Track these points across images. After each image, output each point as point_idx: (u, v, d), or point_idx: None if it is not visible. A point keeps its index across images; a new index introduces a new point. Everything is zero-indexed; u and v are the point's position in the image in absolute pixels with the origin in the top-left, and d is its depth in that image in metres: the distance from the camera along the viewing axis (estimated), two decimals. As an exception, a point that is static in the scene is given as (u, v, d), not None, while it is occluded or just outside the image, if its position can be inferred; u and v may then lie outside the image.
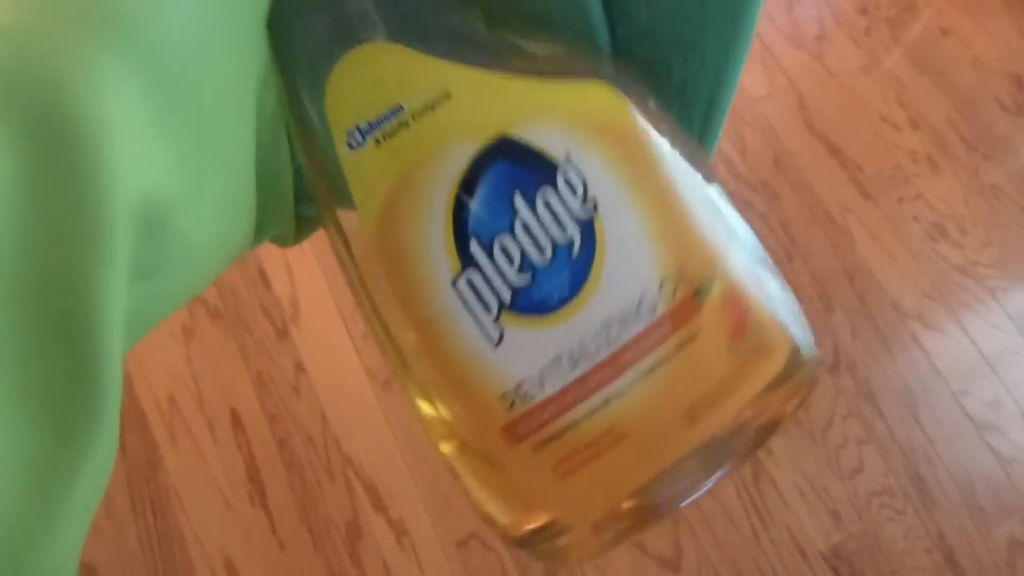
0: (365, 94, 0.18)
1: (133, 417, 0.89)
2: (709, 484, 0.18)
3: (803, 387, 0.19)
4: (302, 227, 0.22)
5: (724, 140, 1.05)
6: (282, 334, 0.93)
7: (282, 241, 0.22)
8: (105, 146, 0.13)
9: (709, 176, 0.19)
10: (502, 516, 0.19)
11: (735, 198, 0.85)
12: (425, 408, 0.19)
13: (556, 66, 0.18)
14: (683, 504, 0.18)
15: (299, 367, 0.91)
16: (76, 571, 0.14)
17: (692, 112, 0.20)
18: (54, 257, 0.12)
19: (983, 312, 0.97)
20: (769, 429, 0.18)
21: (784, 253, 0.98)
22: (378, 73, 0.18)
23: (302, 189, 0.20)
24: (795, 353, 0.18)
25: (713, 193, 0.19)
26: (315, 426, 0.90)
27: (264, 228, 0.20)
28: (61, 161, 0.12)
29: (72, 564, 0.14)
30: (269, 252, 0.96)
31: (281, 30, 0.18)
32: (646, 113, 0.19)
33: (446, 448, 0.19)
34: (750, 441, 0.18)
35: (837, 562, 0.86)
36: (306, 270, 0.96)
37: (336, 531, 0.86)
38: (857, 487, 0.89)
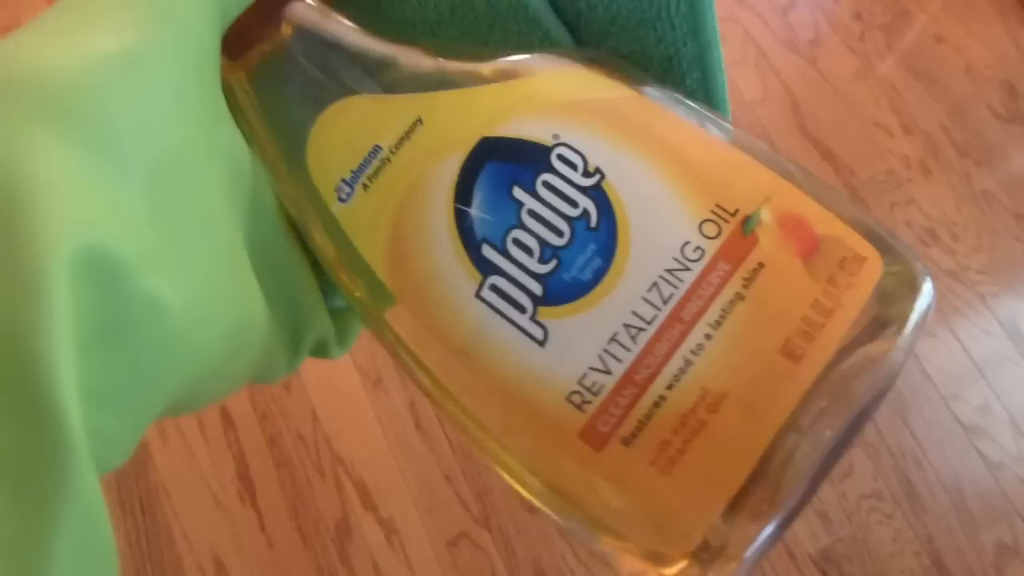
0: (342, 148, 0.17)
1: (123, 413, 0.88)
2: (850, 434, 0.15)
3: (913, 284, 0.16)
4: (346, 326, 0.22)
5: (718, 143, 1.05)
6: (274, 332, 0.93)
7: (325, 349, 0.22)
8: (40, 196, 0.13)
9: (718, 117, 0.18)
10: (642, 555, 0.16)
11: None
12: (492, 447, 0.17)
13: (524, 69, 0.18)
14: (817, 477, 0.15)
15: (290, 365, 0.91)
16: None
17: (688, 81, 0.19)
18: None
19: (974, 317, 0.98)
20: (890, 350, 0.15)
21: (777, 256, 0.99)
22: (348, 126, 0.17)
23: (326, 283, 0.20)
24: (886, 248, 0.16)
25: (725, 128, 0.18)
26: (305, 424, 0.89)
27: (300, 333, 0.20)
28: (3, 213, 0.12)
29: None
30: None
31: (260, 129, 0.18)
32: (633, 81, 0.18)
33: (526, 485, 0.17)
34: (874, 371, 0.15)
35: (826, 565, 0.87)
36: (299, 268, 0.95)
37: (326, 529, 0.86)
38: (847, 490, 0.89)
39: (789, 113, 1.07)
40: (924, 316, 0.16)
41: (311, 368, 0.91)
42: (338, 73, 0.18)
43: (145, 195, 0.15)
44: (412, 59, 0.18)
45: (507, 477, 0.17)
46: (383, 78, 0.18)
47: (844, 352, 0.15)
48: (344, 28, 0.18)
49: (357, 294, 0.18)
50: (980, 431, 0.93)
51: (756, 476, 0.15)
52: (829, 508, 0.89)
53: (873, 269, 0.16)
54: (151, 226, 0.15)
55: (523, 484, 0.17)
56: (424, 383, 0.18)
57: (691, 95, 0.19)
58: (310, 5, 0.19)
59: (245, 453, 0.88)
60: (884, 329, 0.16)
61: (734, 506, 0.15)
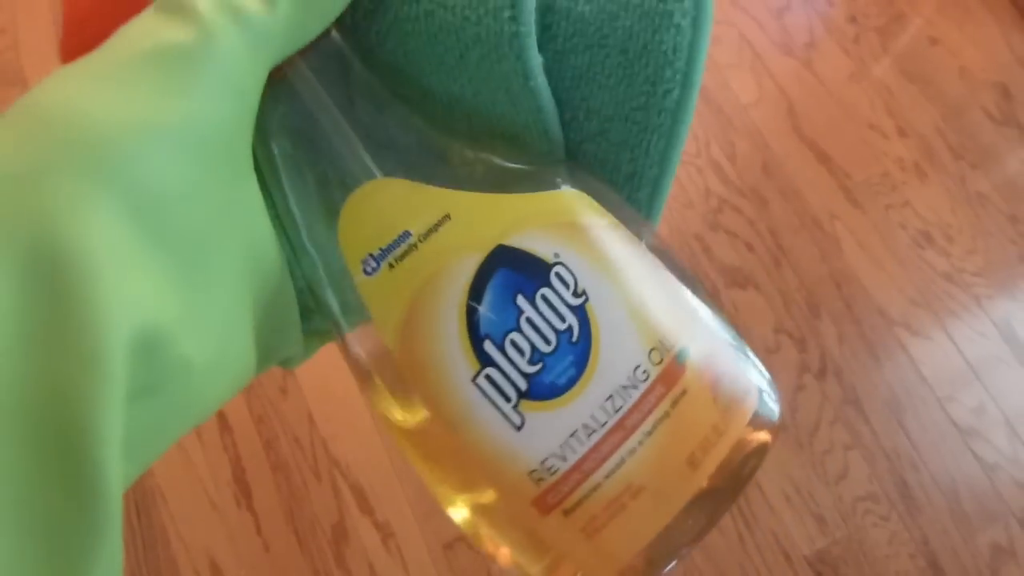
0: (374, 225, 0.20)
1: (119, 417, 0.88)
2: (710, 526, 0.20)
3: (772, 422, 0.22)
4: (310, 344, 0.24)
5: (714, 146, 1.05)
6: (270, 335, 0.93)
7: (290, 363, 0.23)
8: (95, 276, 0.13)
9: (664, 250, 0.22)
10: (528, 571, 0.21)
11: (724, 204, 0.85)
12: (453, 497, 0.21)
13: (530, 180, 0.21)
14: (691, 547, 0.20)
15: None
16: None
17: (640, 194, 0.23)
18: (53, 385, 0.13)
19: (969, 319, 0.98)
20: (753, 465, 0.21)
21: (772, 259, 0.99)
22: (383, 205, 0.20)
23: (304, 308, 0.22)
24: (761, 393, 0.22)
25: (676, 270, 0.22)
26: (302, 427, 0.90)
27: (272, 352, 0.21)
28: (55, 293, 0.13)
29: None
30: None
31: (293, 179, 0.20)
32: (606, 203, 0.21)
33: (475, 523, 0.21)
34: (741, 477, 0.21)
35: (822, 567, 0.87)
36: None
37: (322, 533, 0.86)
38: (842, 492, 0.90)
39: (784, 116, 1.07)
40: (777, 428, 0.22)
41: (307, 372, 0.91)
42: (379, 154, 0.20)
43: (184, 264, 0.16)
44: (444, 145, 0.21)
45: (451, 512, 0.21)
46: (417, 159, 0.21)
47: (726, 461, 0.20)
48: (375, 84, 0.21)
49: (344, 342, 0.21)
50: (975, 433, 0.93)
51: (655, 540, 0.20)
52: (825, 510, 0.89)
53: (751, 402, 0.21)
54: (186, 293, 0.16)
55: (466, 524, 0.21)
56: (392, 426, 0.21)
57: (636, 204, 0.24)
58: (341, 47, 0.21)
59: (241, 456, 0.88)
60: (753, 440, 0.21)
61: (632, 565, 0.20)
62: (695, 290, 0.22)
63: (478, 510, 0.21)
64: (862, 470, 0.90)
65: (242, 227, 0.18)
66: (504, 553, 0.21)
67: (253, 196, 0.18)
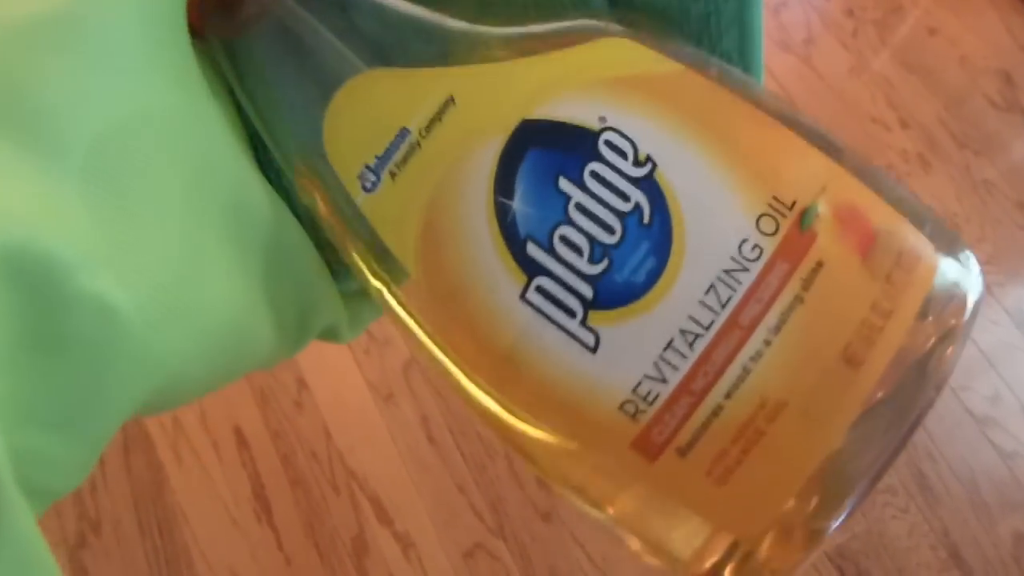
0: (364, 129, 0.16)
1: (138, 438, 0.89)
2: (902, 442, 0.15)
3: (968, 286, 0.16)
4: (358, 311, 0.20)
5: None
6: (284, 351, 0.93)
7: (335, 334, 0.20)
8: None
9: (766, 94, 0.17)
10: (673, 555, 0.16)
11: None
12: (540, 455, 0.16)
13: (558, 39, 0.16)
14: (879, 476, 0.15)
15: (301, 382, 0.92)
16: None
17: (724, 43, 0.18)
18: None
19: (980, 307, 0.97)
20: (948, 354, 0.15)
21: (780, 255, 0.99)
22: (371, 104, 0.16)
23: (339, 264, 0.18)
24: (944, 245, 0.16)
25: (777, 107, 0.17)
26: (318, 441, 0.90)
27: (306, 320, 0.18)
28: None
29: None
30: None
31: (265, 104, 0.17)
32: (672, 53, 0.16)
33: (575, 493, 0.16)
34: (930, 374, 0.15)
35: (842, 562, 0.87)
36: (306, 287, 0.96)
37: (342, 545, 0.86)
38: (860, 486, 0.89)
39: (786, 112, 1.07)
40: (977, 307, 0.15)
41: (322, 385, 0.92)
42: (355, 39, 0.16)
43: (83, 183, 0.13)
44: (439, 24, 0.17)
45: (539, 472, 0.17)
46: (408, 46, 0.16)
47: (903, 353, 0.15)
48: None
49: (378, 284, 0.17)
50: (992, 421, 0.92)
51: (814, 483, 0.14)
52: (843, 504, 0.88)
53: (929, 264, 0.15)
54: (93, 218, 0.13)
55: (561, 483, 0.16)
56: (454, 380, 0.17)
57: (727, 57, 0.18)
58: None
59: (260, 472, 0.89)
60: (939, 319, 0.15)
61: (784, 519, 0.15)
62: (810, 130, 0.16)
63: (572, 470, 0.16)
64: (879, 463, 0.90)
65: (187, 148, 0.15)
66: (637, 538, 0.16)
67: (203, 117, 0.15)
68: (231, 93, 0.18)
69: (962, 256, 0.16)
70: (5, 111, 0.13)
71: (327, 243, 0.18)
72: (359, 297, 0.20)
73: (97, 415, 0.13)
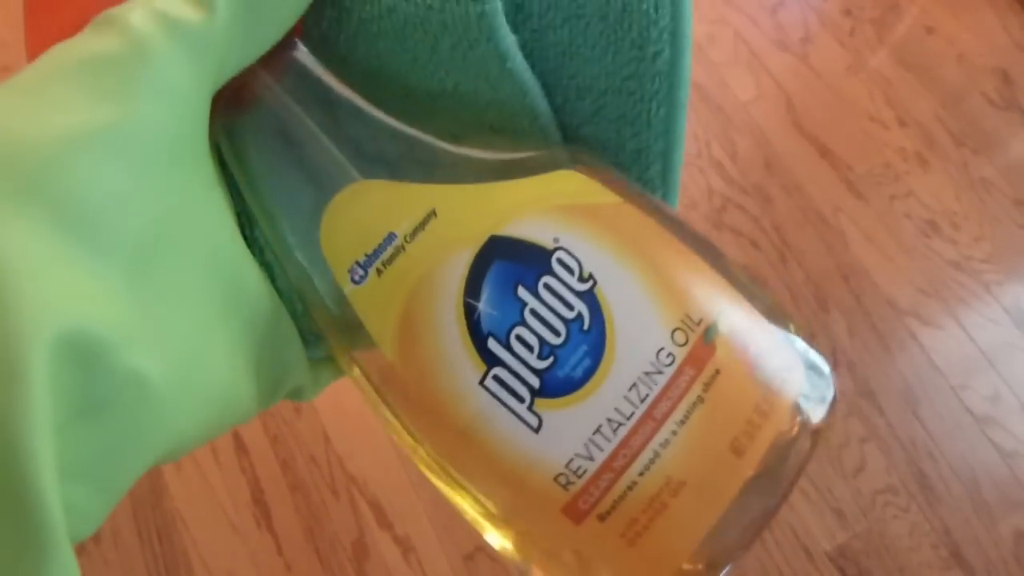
0: (357, 231, 0.19)
1: (136, 444, 0.89)
2: (767, 520, 0.19)
3: (825, 397, 0.19)
4: (320, 374, 0.23)
5: (715, 145, 1.05)
6: (282, 355, 0.93)
7: (300, 395, 0.22)
8: (9, 284, 0.13)
9: (679, 223, 0.20)
10: None
11: (727, 203, 0.85)
12: (482, 513, 0.19)
13: (522, 167, 0.20)
14: (748, 547, 0.19)
15: (300, 387, 0.92)
16: None
17: (650, 172, 0.21)
18: None
19: (979, 306, 0.97)
20: (809, 447, 0.19)
21: (778, 255, 0.99)
22: (365, 209, 0.19)
23: (310, 333, 0.21)
24: (809, 364, 0.20)
25: (692, 238, 0.20)
26: (318, 446, 0.90)
27: (277, 383, 0.20)
28: None
29: None
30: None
31: (262, 191, 0.19)
32: (611, 183, 0.20)
33: (509, 545, 0.19)
34: (795, 462, 0.19)
35: (843, 562, 0.87)
36: (304, 290, 0.96)
37: (343, 550, 0.86)
38: (860, 486, 0.89)
39: (783, 112, 1.07)
40: (832, 410, 0.19)
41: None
42: (350, 147, 0.19)
43: (125, 272, 0.15)
44: (427, 145, 0.20)
45: (477, 522, 0.20)
46: (399, 161, 0.19)
47: (775, 445, 0.18)
48: (350, 96, 0.20)
49: (356, 368, 0.20)
50: (992, 420, 0.93)
51: (705, 544, 0.18)
52: (844, 505, 0.88)
53: (797, 377, 0.19)
54: (131, 302, 0.15)
55: (495, 534, 0.19)
56: (406, 441, 0.20)
57: (651, 184, 0.22)
58: (309, 62, 0.20)
59: (259, 478, 0.89)
60: (804, 420, 0.19)
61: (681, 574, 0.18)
62: (718, 261, 0.20)
63: (507, 528, 0.19)
64: (879, 462, 0.90)
65: (200, 236, 0.17)
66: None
67: (213, 205, 0.18)
68: (224, 170, 0.20)
69: (822, 369, 0.20)
70: (65, 209, 0.14)
71: (300, 313, 0.21)
72: (324, 362, 0.23)
73: (125, 470, 0.15)
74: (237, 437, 0.90)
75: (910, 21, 1.12)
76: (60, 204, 0.14)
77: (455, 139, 0.20)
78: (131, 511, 0.87)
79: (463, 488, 0.19)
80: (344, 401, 0.92)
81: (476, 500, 0.19)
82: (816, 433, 0.19)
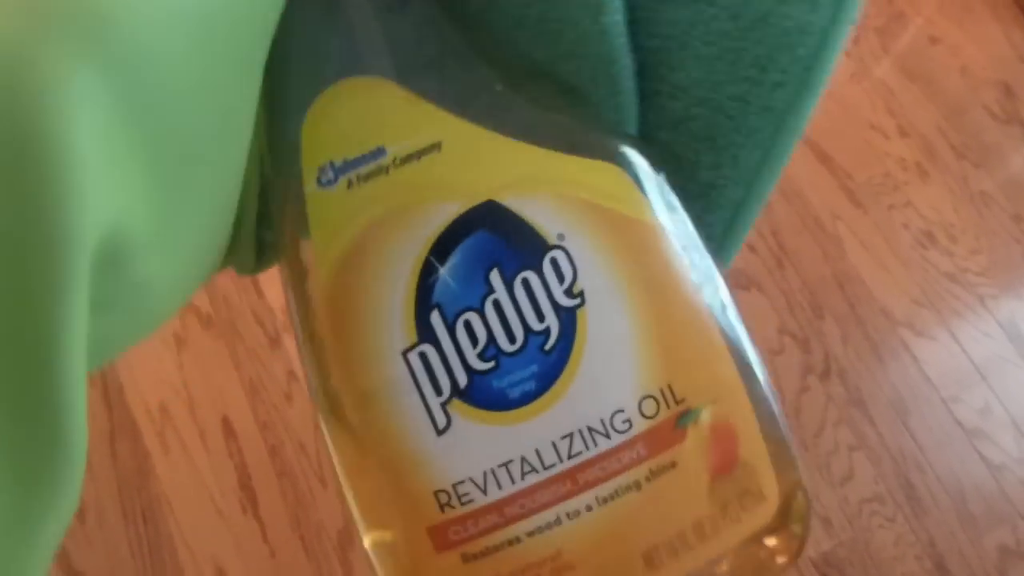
0: (347, 128, 0.16)
1: (124, 425, 0.89)
2: None
3: (792, 544, 0.16)
4: (262, 254, 0.21)
5: (715, 148, 1.05)
6: (274, 342, 0.93)
7: (242, 268, 0.21)
8: (70, 175, 0.11)
9: (723, 290, 0.17)
10: None
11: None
12: (354, 483, 0.17)
13: (568, 138, 0.16)
14: None
15: (291, 375, 0.92)
16: None
17: (715, 215, 0.18)
18: (12, 292, 0.11)
19: (973, 319, 0.97)
20: None
21: (775, 260, 0.99)
22: (366, 109, 0.16)
23: (264, 213, 0.18)
24: (788, 505, 0.16)
25: (725, 311, 0.17)
26: (307, 433, 0.90)
27: (227, 254, 0.19)
28: (26, 186, 0.11)
29: None
30: (261, 260, 0.96)
31: (279, 41, 0.16)
32: (660, 206, 0.16)
33: (369, 539, 0.17)
34: None
35: (828, 569, 0.87)
36: (298, 278, 0.96)
37: (328, 538, 0.86)
38: (848, 494, 0.89)
39: (785, 117, 1.07)
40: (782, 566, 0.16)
41: (311, 378, 0.92)
42: (397, 46, 0.16)
43: (162, 174, 0.14)
44: (471, 67, 0.16)
45: (348, 500, 0.17)
46: (424, 72, 0.16)
47: (694, 572, 0.15)
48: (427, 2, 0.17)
49: (289, 264, 0.17)
50: (981, 433, 0.92)
51: None
52: (830, 512, 0.88)
53: (764, 514, 0.16)
54: (159, 208, 0.14)
55: (358, 523, 0.17)
56: (308, 362, 0.17)
57: (711, 230, 0.18)
58: None
59: (247, 464, 0.88)
60: (740, 572, 0.16)
61: None
62: (741, 349, 0.16)
63: (371, 528, 0.16)
64: (867, 471, 0.90)
65: (236, 143, 0.15)
66: None
67: (252, 107, 0.15)
68: None
69: (797, 518, 0.16)
70: (130, 75, 0.12)
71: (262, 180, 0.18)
72: (268, 248, 0.21)
73: (99, 364, 0.14)
74: (226, 422, 0.90)
75: (914, 31, 1.12)
76: (131, 81, 0.12)
77: (510, 79, 0.17)
78: (116, 490, 0.87)
79: (346, 460, 0.16)
80: (334, 390, 0.91)
81: (351, 478, 0.16)
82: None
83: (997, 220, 1.02)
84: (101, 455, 0.87)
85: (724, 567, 0.15)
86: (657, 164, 0.17)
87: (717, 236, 0.18)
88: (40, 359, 0.12)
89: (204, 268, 0.16)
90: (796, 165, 1.04)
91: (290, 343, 0.93)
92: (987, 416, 0.93)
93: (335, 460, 0.17)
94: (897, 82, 1.09)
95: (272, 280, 0.96)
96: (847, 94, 1.08)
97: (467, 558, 0.15)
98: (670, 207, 0.17)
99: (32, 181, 0.11)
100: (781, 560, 0.16)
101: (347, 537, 0.86)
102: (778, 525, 0.16)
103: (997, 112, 1.08)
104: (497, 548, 0.15)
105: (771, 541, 0.16)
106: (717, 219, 0.18)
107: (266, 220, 0.19)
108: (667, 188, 0.17)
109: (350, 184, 0.16)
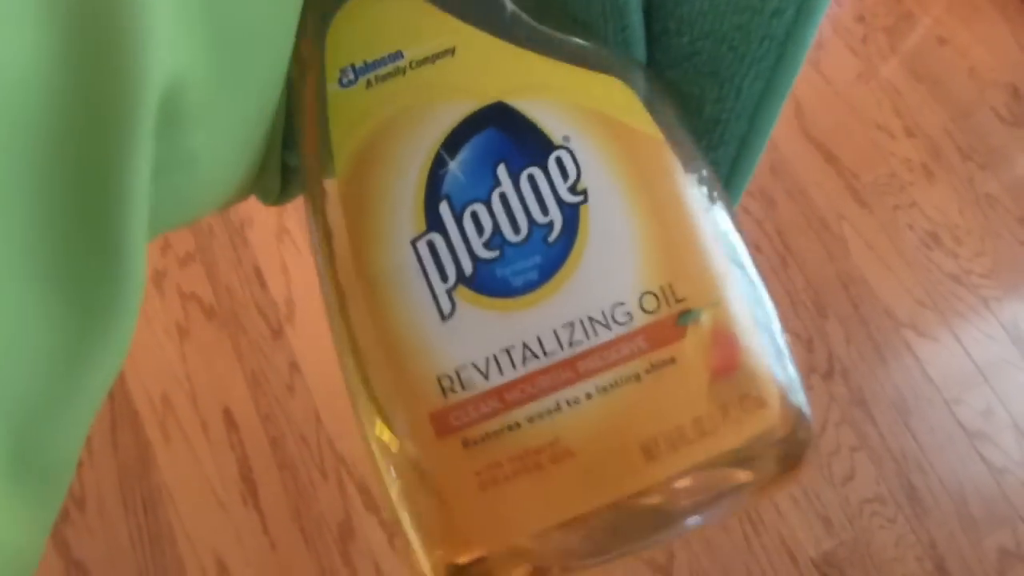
0: (368, 35, 0.17)
1: (126, 415, 0.89)
2: (639, 544, 0.16)
3: (789, 458, 0.16)
4: (288, 182, 0.21)
5: (721, 146, 1.05)
6: (277, 333, 0.93)
7: (266, 195, 0.21)
8: (145, 18, 0.12)
9: (726, 208, 0.17)
10: (424, 542, 0.16)
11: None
12: (359, 384, 0.17)
13: (573, 53, 0.17)
14: (597, 559, 0.16)
15: (293, 366, 0.91)
16: (80, 452, 0.14)
17: (721, 151, 0.19)
18: (86, 140, 0.12)
19: (976, 321, 0.97)
20: (733, 499, 0.16)
21: (779, 259, 0.98)
22: (387, 16, 0.17)
23: (290, 134, 0.19)
24: (788, 415, 0.16)
25: (726, 224, 0.17)
26: (309, 426, 0.90)
27: (256, 177, 0.20)
28: (99, 39, 0.11)
29: (79, 443, 0.14)
30: (265, 251, 0.96)
31: None
32: (665, 123, 0.17)
33: (375, 435, 0.17)
34: (708, 504, 0.16)
35: (828, 569, 0.87)
36: (302, 270, 0.96)
37: (328, 531, 0.86)
38: (849, 494, 0.89)
39: (792, 116, 1.07)
40: (784, 475, 0.16)
41: (315, 370, 0.92)
42: None
43: (222, 42, 0.14)
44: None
45: (354, 399, 0.17)
46: None
47: (694, 473, 0.15)
48: None
49: (309, 163, 0.18)
50: (983, 435, 0.92)
51: (558, 531, 0.15)
52: (831, 512, 0.88)
53: (765, 419, 0.16)
54: (215, 76, 0.14)
55: (364, 423, 0.17)
56: (325, 274, 0.18)
57: (716, 166, 0.18)
58: None
59: (248, 455, 0.88)
60: (744, 468, 0.16)
61: (520, 551, 0.15)
62: (741, 255, 0.17)
63: (373, 418, 0.16)
64: (869, 472, 0.90)
65: (285, 28, 0.16)
66: (397, 508, 0.16)
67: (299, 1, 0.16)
68: None
69: (802, 427, 0.16)
70: None
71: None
72: (292, 178, 0.21)
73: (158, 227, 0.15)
74: (227, 414, 0.90)
75: (923, 31, 1.12)
76: None
77: (529, 11, 0.17)
78: (117, 480, 0.87)
79: (355, 349, 0.17)
80: (337, 382, 0.91)
81: (361, 370, 0.17)
82: (754, 492, 0.16)
83: (1002, 222, 1.02)
84: (102, 445, 0.87)
85: (716, 471, 0.16)
86: (663, 90, 0.18)
87: (723, 174, 0.19)
88: (110, 196, 0.12)
89: (241, 165, 0.17)
90: (802, 165, 1.04)
91: (292, 334, 0.93)
92: (989, 418, 0.93)
93: (339, 353, 0.17)
94: (904, 82, 1.09)
95: (275, 272, 0.95)
96: (854, 94, 1.08)
97: (467, 443, 0.15)
98: (675, 126, 0.17)
99: (107, 27, 0.11)
100: (769, 477, 0.16)
101: (347, 530, 0.86)
102: (773, 437, 0.16)
103: (1004, 114, 1.07)
104: (497, 433, 0.15)
105: (762, 454, 0.16)
106: (722, 156, 0.19)
107: (291, 142, 0.19)
108: (672, 112, 0.18)
109: (369, 84, 0.17)
